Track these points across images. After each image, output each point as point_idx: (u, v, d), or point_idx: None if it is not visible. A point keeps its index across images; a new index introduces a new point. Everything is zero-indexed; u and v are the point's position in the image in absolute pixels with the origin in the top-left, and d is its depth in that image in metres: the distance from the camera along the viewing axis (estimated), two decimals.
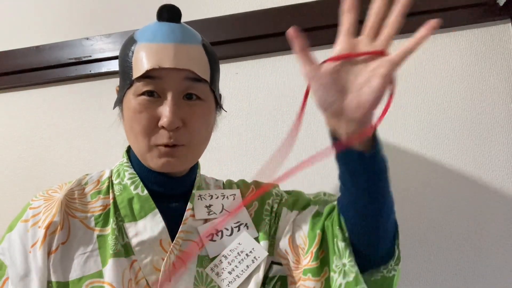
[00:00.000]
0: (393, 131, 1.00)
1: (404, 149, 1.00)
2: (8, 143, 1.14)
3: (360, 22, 1.00)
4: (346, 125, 0.52)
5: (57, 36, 1.13)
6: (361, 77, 0.49)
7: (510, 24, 0.99)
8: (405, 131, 1.00)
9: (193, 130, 0.63)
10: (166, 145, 0.61)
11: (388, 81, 0.49)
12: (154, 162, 0.63)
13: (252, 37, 1.05)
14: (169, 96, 0.60)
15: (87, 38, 1.11)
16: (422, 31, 0.46)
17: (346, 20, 0.50)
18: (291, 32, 0.48)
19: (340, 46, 0.50)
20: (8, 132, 1.14)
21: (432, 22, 0.45)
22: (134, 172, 0.67)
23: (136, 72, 0.61)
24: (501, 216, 0.95)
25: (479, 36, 1.01)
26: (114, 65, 1.10)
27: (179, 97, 0.62)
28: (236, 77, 1.06)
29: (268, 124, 1.04)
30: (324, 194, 0.76)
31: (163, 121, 0.60)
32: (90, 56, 1.10)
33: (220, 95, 0.72)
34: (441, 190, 0.98)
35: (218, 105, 0.70)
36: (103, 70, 1.10)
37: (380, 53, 0.48)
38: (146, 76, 0.60)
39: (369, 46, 0.49)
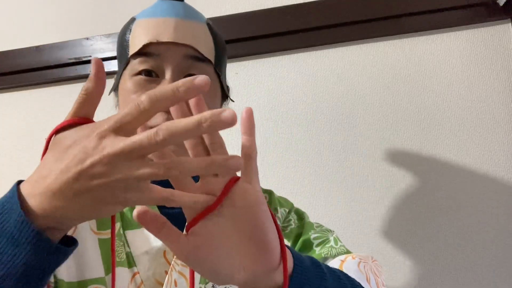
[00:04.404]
0: (393, 131, 1.00)
1: (404, 149, 1.00)
2: (8, 143, 1.13)
3: (357, 23, 1.01)
4: (264, 280, 0.38)
5: (57, 36, 1.13)
6: (237, 223, 0.37)
7: (510, 24, 0.99)
8: (405, 131, 1.00)
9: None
10: None
11: (263, 203, 0.38)
12: None
13: (252, 37, 1.04)
14: (168, 75, 0.55)
15: (87, 38, 1.11)
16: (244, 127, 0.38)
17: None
18: (139, 214, 0.35)
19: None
20: (8, 132, 1.14)
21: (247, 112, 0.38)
22: None
23: (133, 49, 0.56)
24: (501, 216, 0.95)
25: (479, 36, 1.00)
26: (114, 65, 1.09)
27: (179, 77, 0.55)
28: (236, 77, 1.06)
29: (268, 124, 1.04)
30: (332, 244, 0.64)
31: None
32: (90, 56, 1.10)
33: (228, 87, 0.66)
34: (441, 190, 0.98)
35: (224, 93, 0.64)
36: None
37: (236, 179, 0.37)
38: (143, 53, 0.55)
39: (221, 185, 0.37)
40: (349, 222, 0.99)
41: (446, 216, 0.97)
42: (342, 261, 0.59)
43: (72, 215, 0.33)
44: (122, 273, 0.54)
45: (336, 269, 0.47)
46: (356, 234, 0.98)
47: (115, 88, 0.62)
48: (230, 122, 0.29)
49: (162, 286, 0.54)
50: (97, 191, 0.31)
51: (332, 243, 0.64)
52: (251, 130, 0.38)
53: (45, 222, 0.33)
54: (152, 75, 0.56)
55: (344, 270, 0.55)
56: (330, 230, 0.68)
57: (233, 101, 0.69)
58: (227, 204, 0.37)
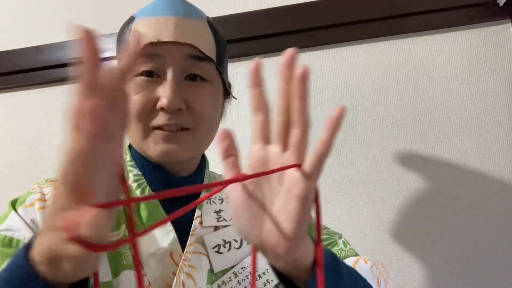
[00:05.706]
0: (393, 131, 1.00)
1: (404, 149, 1.00)
2: (8, 143, 1.13)
3: (357, 23, 1.01)
4: (278, 262, 0.38)
5: (57, 36, 1.13)
6: (278, 199, 0.37)
7: (510, 24, 0.99)
8: (405, 131, 1.00)
9: (198, 114, 0.55)
10: (166, 129, 0.54)
11: (308, 200, 0.36)
12: (152, 149, 0.55)
13: (252, 37, 1.04)
14: (169, 75, 0.54)
15: None
16: (329, 125, 0.37)
17: (258, 121, 0.40)
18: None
19: (251, 159, 0.39)
20: (8, 132, 1.14)
21: (339, 110, 0.36)
22: (139, 173, 0.59)
23: None
24: (501, 216, 0.95)
25: (479, 36, 1.00)
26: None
27: (181, 77, 0.55)
28: (236, 77, 1.06)
29: None
30: (341, 246, 0.64)
31: (162, 102, 0.52)
32: None
33: (229, 84, 0.65)
34: (441, 190, 0.98)
35: (226, 91, 0.63)
36: None
37: (295, 166, 0.35)
38: (144, 53, 0.54)
39: (282, 157, 0.37)
40: (349, 222, 0.99)
41: (446, 216, 0.97)
42: (355, 262, 0.57)
43: None
44: (128, 275, 0.52)
45: (351, 267, 0.46)
46: (356, 234, 0.98)
47: None
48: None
49: (169, 287, 0.53)
50: None
51: (341, 245, 0.63)
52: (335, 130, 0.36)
53: None
54: (153, 76, 0.55)
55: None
56: (338, 233, 0.66)
57: (235, 99, 0.68)
58: (277, 179, 0.37)
